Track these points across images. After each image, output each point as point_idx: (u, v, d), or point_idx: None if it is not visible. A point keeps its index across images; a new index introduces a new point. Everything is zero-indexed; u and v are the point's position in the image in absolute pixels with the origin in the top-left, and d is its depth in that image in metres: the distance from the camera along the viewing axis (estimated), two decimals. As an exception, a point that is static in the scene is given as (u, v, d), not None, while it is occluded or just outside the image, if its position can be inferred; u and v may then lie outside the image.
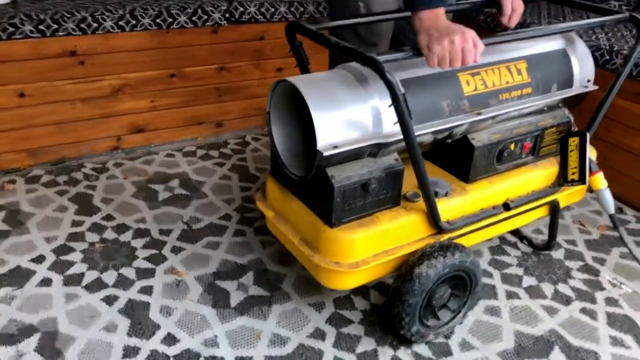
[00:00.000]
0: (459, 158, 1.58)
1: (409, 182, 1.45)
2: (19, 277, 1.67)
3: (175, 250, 1.83)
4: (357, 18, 1.65)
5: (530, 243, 1.94)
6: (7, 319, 1.52)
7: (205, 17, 2.31)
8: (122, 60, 2.24)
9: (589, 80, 1.71)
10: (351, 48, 1.28)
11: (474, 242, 1.61)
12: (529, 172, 1.67)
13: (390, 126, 1.35)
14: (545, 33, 1.58)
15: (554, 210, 1.77)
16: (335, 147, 1.30)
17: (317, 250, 1.41)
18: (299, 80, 1.34)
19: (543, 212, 1.76)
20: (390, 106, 1.25)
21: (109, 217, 1.96)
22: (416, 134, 1.40)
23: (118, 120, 2.33)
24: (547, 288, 1.76)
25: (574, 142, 1.68)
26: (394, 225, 1.43)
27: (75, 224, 1.91)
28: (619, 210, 2.15)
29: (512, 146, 1.62)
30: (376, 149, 1.39)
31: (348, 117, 1.33)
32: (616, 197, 2.11)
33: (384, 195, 1.43)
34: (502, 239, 1.96)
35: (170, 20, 2.26)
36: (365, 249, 1.40)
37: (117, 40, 2.20)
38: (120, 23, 2.17)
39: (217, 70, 2.43)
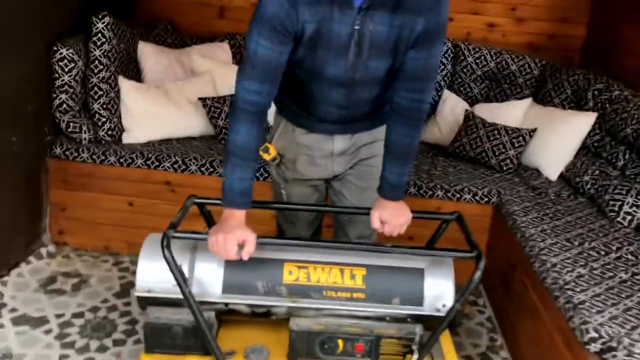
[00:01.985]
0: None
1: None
2: None
3: None
4: (280, 202, 2.03)
5: None
6: None
7: (266, 174, 2.86)
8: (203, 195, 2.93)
9: (444, 305, 1.69)
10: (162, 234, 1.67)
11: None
12: (360, 373, 1.72)
13: (199, 288, 1.68)
14: (373, 250, 1.69)
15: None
16: (149, 291, 1.70)
17: (138, 366, 1.78)
18: (153, 237, 1.79)
19: (382, 419, 1.74)
20: (157, 269, 1.61)
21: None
22: (229, 301, 1.70)
23: (192, 237, 2.99)
24: None
25: None
26: (195, 368, 1.70)
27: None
28: None
29: (339, 342, 1.72)
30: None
31: (187, 274, 1.70)
32: None
33: (192, 342, 1.72)
34: None
35: (239, 172, 2.87)
36: (163, 379, 1.71)
37: (199, 180, 2.91)
38: (202, 169, 2.89)
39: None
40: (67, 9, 3.01)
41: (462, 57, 3.60)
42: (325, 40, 1.60)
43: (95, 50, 2.93)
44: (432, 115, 3.53)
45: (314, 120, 1.88)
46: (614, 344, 1.65)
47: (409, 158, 1.82)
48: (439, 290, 1.71)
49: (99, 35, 2.93)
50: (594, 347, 1.68)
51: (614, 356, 1.64)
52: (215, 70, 3.41)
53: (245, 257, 1.58)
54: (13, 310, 2.51)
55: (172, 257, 1.58)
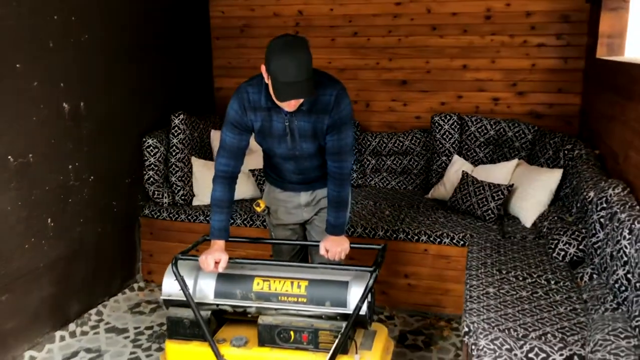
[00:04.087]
0: (257, 328, 2.50)
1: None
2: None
3: None
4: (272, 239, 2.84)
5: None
6: None
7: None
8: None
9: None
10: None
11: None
12: (303, 355, 2.40)
13: (200, 294, 2.49)
14: (310, 267, 2.41)
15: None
16: (170, 295, 2.54)
17: (165, 348, 2.61)
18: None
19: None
20: (174, 281, 2.45)
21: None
22: (218, 302, 2.50)
23: None
24: None
25: (332, 344, 2.34)
26: (200, 349, 2.49)
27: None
28: None
29: (292, 333, 2.42)
30: (199, 305, 2.52)
31: (193, 284, 2.53)
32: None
33: (197, 331, 2.51)
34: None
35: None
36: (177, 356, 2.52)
37: (243, 231, 3.77)
38: (245, 222, 3.75)
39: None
40: (154, 110, 4.13)
41: (467, 127, 4.23)
42: (269, 132, 2.43)
43: (173, 139, 4.00)
44: (442, 177, 4.18)
45: (284, 182, 2.69)
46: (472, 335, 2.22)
47: (341, 206, 2.55)
48: (358, 296, 2.37)
49: (176, 128, 4.00)
50: (467, 338, 2.25)
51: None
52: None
53: (220, 270, 2.39)
54: (107, 323, 3.49)
55: (178, 272, 2.42)
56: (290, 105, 2.25)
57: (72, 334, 3.34)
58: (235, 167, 2.50)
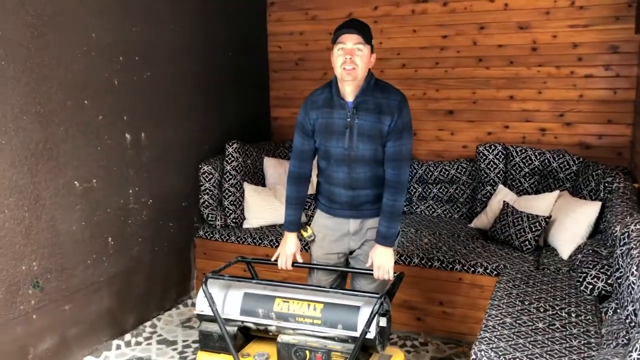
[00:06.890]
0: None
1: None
2: None
3: None
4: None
5: None
6: None
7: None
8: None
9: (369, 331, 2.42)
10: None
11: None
12: (317, 374, 2.50)
13: (228, 311, 2.67)
14: (326, 291, 2.52)
15: (339, 411, 2.45)
16: (202, 311, 2.73)
17: None
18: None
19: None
20: (208, 306, 2.63)
21: None
22: (243, 319, 2.66)
23: None
24: None
25: (342, 368, 2.42)
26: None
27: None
28: None
29: (307, 352, 2.53)
30: (226, 321, 2.70)
31: (222, 301, 2.72)
32: None
33: (224, 345, 2.68)
34: None
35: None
36: (203, 366, 2.69)
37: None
38: (288, 245, 3.92)
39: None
40: (212, 138, 4.41)
41: (512, 158, 4.19)
42: (330, 127, 2.58)
43: (227, 165, 4.25)
44: (486, 206, 4.16)
45: (334, 206, 2.75)
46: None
47: (395, 216, 2.60)
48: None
49: (230, 156, 4.25)
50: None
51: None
52: (313, 175, 4.50)
53: (299, 260, 2.79)
54: (159, 335, 3.74)
55: (208, 290, 2.61)
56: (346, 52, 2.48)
57: (127, 344, 3.62)
58: (301, 168, 2.73)
